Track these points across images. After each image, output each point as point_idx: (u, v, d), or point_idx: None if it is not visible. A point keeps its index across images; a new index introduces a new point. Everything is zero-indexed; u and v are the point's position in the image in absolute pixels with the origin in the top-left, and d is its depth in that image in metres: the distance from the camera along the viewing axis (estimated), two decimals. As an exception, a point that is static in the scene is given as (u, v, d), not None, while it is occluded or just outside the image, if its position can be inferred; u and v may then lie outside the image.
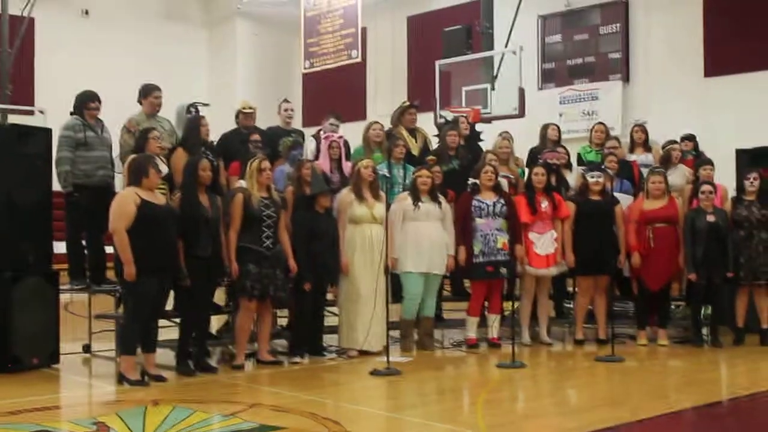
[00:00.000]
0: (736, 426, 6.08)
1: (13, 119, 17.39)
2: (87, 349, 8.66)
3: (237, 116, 9.72)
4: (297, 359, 8.10)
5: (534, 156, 10.25)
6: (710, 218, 9.00)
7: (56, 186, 8.33)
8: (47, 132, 8.28)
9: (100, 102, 8.95)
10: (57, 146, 8.60)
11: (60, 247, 8.89)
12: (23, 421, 5.79)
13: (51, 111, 16.73)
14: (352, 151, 9.84)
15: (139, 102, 9.18)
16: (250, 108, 9.69)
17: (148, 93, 9.13)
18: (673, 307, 10.09)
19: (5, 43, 18.66)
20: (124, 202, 7.00)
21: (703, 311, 9.40)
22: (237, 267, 7.58)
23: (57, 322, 7.91)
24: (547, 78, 18.39)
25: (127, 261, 6.86)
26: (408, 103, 10.45)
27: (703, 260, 8.96)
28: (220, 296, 8.31)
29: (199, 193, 7.46)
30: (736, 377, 8.02)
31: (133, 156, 7.81)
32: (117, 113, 9.23)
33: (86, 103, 8.86)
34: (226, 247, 7.61)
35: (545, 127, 10.68)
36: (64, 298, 8.79)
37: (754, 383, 7.51)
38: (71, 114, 8.87)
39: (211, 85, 22.54)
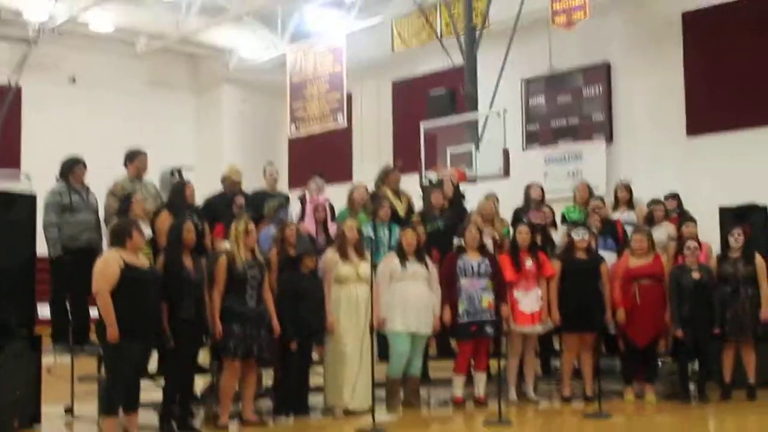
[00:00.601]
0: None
1: (-1, 185, 17.41)
2: (69, 410, 8.56)
3: (224, 181, 9.76)
4: (282, 418, 8.04)
5: (518, 216, 10.31)
6: (695, 275, 9.05)
7: (40, 250, 8.30)
8: (32, 198, 8.32)
9: (85, 167, 9.02)
10: (44, 211, 8.64)
11: (43, 311, 8.86)
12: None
13: (37, 176, 16.72)
14: (337, 213, 9.89)
15: (125, 166, 9.24)
16: (238, 173, 9.76)
17: (134, 157, 9.22)
18: (659, 363, 10.06)
19: (-7, 111, 18.82)
20: (108, 264, 6.99)
21: (690, 367, 9.38)
22: (221, 327, 7.55)
23: (39, 384, 7.83)
24: (532, 139, 18.51)
25: (110, 323, 6.83)
26: (390, 167, 10.54)
27: (689, 317, 8.98)
28: (204, 357, 8.25)
29: (183, 256, 7.47)
30: (724, 432, 8.00)
31: (116, 219, 7.83)
32: (103, 178, 9.26)
33: (72, 167, 8.92)
34: (209, 308, 7.60)
35: (528, 188, 10.77)
36: (47, 360, 8.72)
37: (742, 438, 7.49)
38: (57, 179, 8.90)
39: (198, 149, 22.59)
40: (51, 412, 8.31)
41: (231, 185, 9.62)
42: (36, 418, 7.78)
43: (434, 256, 9.21)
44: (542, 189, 10.91)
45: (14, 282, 7.84)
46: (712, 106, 15.97)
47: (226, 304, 7.64)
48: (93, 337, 8.07)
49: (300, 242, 8.35)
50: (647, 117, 16.95)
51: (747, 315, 9.11)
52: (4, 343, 7.59)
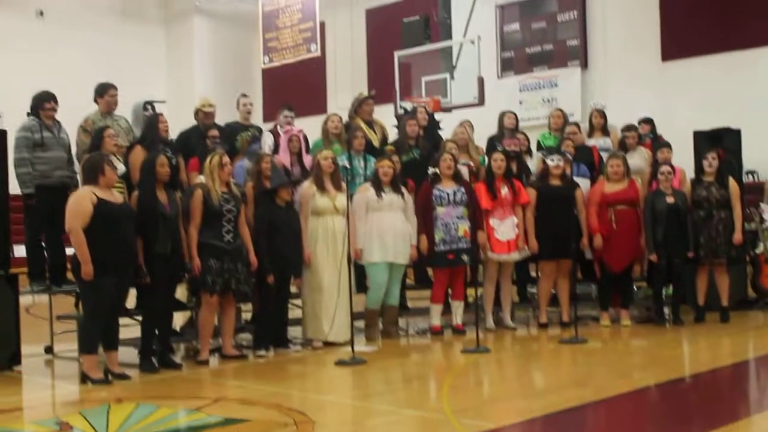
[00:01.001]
0: (699, 401, 6.14)
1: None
2: (49, 350, 8.58)
3: (197, 114, 9.65)
4: (262, 352, 8.08)
5: (493, 144, 10.30)
6: (670, 200, 9.09)
7: (12, 189, 8.22)
8: (2, 134, 8.18)
9: (56, 102, 8.83)
10: (15, 148, 8.49)
11: (19, 251, 8.81)
12: (-16, 423, 5.74)
13: (7, 113, 16.56)
14: (311, 144, 9.84)
15: (95, 101, 9.10)
16: (210, 106, 9.62)
17: (104, 91, 9.06)
18: (635, 287, 10.19)
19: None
20: (80, 201, 6.92)
21: (664, 291, 9.49)
22: (198, 262, 7.55)
23: (17, 324, 7.81)
24: (506, 66, 18.46)
25: (84, 260, 6.78)
26: (365, 95, 10.46)
27: (663, 241, 9.06)
28: (182, 292, 8.26)
29: (158, 190, 7.41)
30: (698, 354, 8.11)
31: (87, 155, 7.74)
32: (74, 113, 9.14)
33: (42, 103, 8.74)
34: (186, 243, 7.58)
35: (502, 115, 10.76)
36: (24, 300, 8.71)
37: (716, 359, 7.63)
38: (28, 115, 8.77)
39: (170, 82, 22.38)
40: (31, 352, 8.32)
41: (203, 117, 9.50)
42: (16, 358, 7.77)
43: (410, 185, 9.19)
44: (516, 117, 10.90)
45: (-13, 220, 7.77)
46: (687, 31, 15.97)
47: (203, 239, 7.61)
48: (70, 275, 8.06)
49: (275, 175, 8.29)
50: (622, 42, 16.92)
51: (720, 238, 9.19)
52: (-21, 282, 7.57)
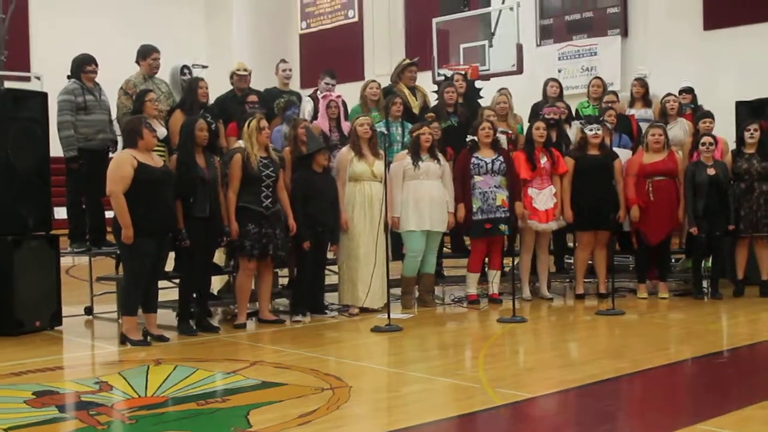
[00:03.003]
0: (737, 376, 6.10)
1: (9, 86, 17.29)
2: (89, 311, 8.70)
3: (231, 78, 9.67)
4: (298, 318, 8.13)
5: (536, 112, 10.22)
6: (710, 171, 8.98)
7: (54, 151, 8.27)
8: (43, 96, 8.23)
9: (97, 65, 8.87)
10: (58, 111, 8.53)
11: (60, 213, 8.90)
12: (26, 381, 5.83)
13: (47, 76, 16.68)
14: (350, 110, 9.82)
15: (137, 63, 9.13)
16: (245, 70, 9.63)
17: (147, 54, 9.07)
18: (673, 260, 10.11)
19: (-1, 8, 18.53)
20: (121, 165, 6.97)
21: (703, 264, 9.41)
22: (237, 227, 7.58)
23: (58, 285, 7.93)
24: (546, 34, 18.28)
25: (125, 224, 6.84)
26: (408, 61, 10.41)
27: (703, 213, 8.96)
28: (220, 257, 8.31)
29: (196, 154, 7.43)
30: (736, 328, 8.04)
31: (127, 119, 7.79)
32: (114, 75, 9.18)
33: (83, 66, 8.77)
34: (225, 207, 7.61)
35: (546, 83, 10.63)
36: (65, 261, 8.81)
37: (754, 334, 7.54)
38: (68, 78, 8.81)
39: (209, 47, 22.41)
40: (71, 312, 8.43)
41: (238, 81, 9.52)
42: (57, 318, 7.89)
43: (449, 153, 9.16)
44: (560, 84, 10.78)
45: (29, 181, 7.84)
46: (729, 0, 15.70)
47: (241, 203, 7.65)
48: (110, 237, 8.14)
49: (310, 140, 8.29)
50: (663, 10, 16.70)
51: (761, 211, 9.07)
52: (21, 242, 7.65)
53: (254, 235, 7.61)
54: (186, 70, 9.31)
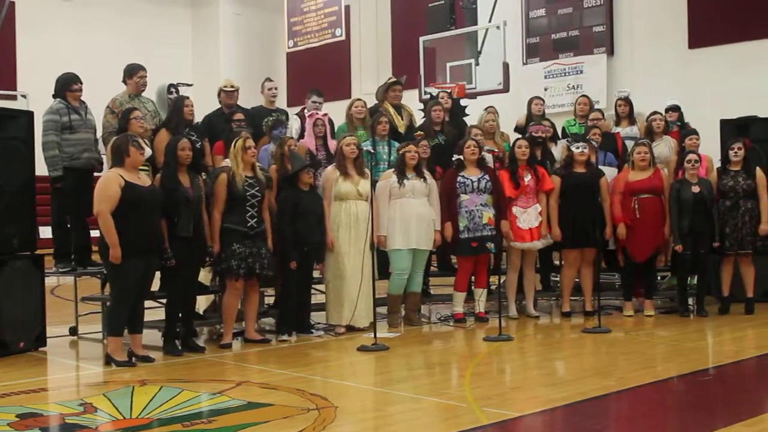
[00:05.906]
0: (723, 393, 6.11)
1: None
2: (74, 331, 8.65)
3: (219, 95, 9.68)
4: (284, 337, 8.11)
5: (518, 129, 10.25)
6: (695, 189, 9.02)
7: (39, 170, 8.24)
8: (29, 115, 8.21)
9: (82, 84, 8.86)
10: (43, 131, 8.51)
11: (45, 232, 8.86)
12: (10, 403, 5.78)
13: (33, 94, 16.65)
14: (336, 129, 9.83)
15: (124, 82, 9.12)
16: (232, 87, 9.65)
17: (133, 73, 9.07)
18: (658, 277, 10.14)
19: (-14, 28, 18.50)
20: (108, 184, 6.94)
21: (689, 281, 9.43)
22: (219, 246, 7.57)
23: (43, 305, 7.89)
24: (532, 52, 18.36)
25: (112, 243, 6.81)
26: (393, 79, 10.43)
27: (688, 231, 8.98)
28: (206, 276, 8.28)
29: (180, 173, 7.42)
30: (722, 345, 8.06)
31: (114, 137, 7.77)
32: (100, 94, 9.17)
33: (69, 85, 8.76)
34: (209, 226, 7.59)
35: (530, 101, 10.68)
36: (50, 281, 8.77)
37: (740, 351, 7.57)
38: (54, 97, 8.79)
39: (195, 65, 22.42)
40: (56, 333, 8.38)
41: (225, 98, 9.54)
42: (41, 339, 7.84)
43: (438, 172, 9.18)
44: (543, 103, 10.83)
45: (14, 200, 7.78)
46: (714, 18, 15.83)
47: (227, 223, 7.63)
48: (95, 257, 8.10)
49: (294, 159, 8.30)
50: (649, 29, 16.80)
51: (746, 229, 9.12)
52: (6, 262, 7.61)
53: (240, 255, 7.58)
54: (173, 89, 9.30)
